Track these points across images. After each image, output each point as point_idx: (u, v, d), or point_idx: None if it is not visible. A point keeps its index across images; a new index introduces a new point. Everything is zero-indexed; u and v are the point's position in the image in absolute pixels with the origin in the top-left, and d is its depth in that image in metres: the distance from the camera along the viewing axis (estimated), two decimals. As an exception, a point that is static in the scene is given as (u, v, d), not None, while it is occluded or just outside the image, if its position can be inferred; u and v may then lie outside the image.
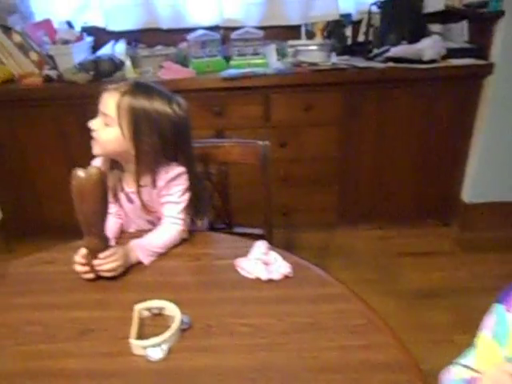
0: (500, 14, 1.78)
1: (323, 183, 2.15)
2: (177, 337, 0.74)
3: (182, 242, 1.01)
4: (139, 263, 0.94)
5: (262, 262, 0.89)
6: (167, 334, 0.71)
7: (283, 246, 1.01)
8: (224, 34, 2.13)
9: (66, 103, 1.95)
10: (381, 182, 2.16)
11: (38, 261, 0.97)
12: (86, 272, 0.89)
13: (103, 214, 0.87)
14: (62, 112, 1.98)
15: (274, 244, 0.97)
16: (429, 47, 1.85)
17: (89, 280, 0.89)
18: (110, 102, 0.96)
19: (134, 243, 0.96)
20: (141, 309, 0.78)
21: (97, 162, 1.06)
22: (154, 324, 0.77)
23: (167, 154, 1.01)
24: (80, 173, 0.83)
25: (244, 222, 1.42)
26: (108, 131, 0.97)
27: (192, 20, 2.21)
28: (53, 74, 1.95)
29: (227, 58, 2.07)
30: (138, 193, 1.03)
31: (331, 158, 2.09)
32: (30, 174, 2.13)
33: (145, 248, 0.96)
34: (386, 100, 1.96)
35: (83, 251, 0.89)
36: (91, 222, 0.86)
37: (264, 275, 0.86)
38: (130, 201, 1.08)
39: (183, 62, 2.06)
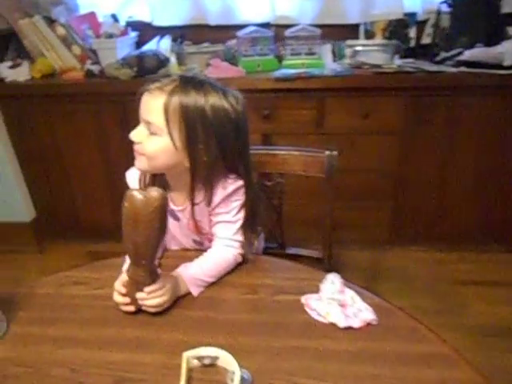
0: None
1: (377, 197, 1.95)
2: (235, 400, 0.57)
3: (235, 268, 0.85)
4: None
5: (338, 302, 0.71)
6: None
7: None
8: (276, 32, 1.97)
9: (106, 99, 1.85)
10: (442, 200, 1.94)
11: (68, 280, 0.83)
12: (125, 304, 0.74)
13: (157, 245, 0.71)
14: (102, 108, 1.87)
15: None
16: (511, 51, 1.62)
17: (127, 312, 0.73)
18: (155, 105, 0.77)
19: (184, 273, 0.80)
20: (190, 357, 0.62)
21: (134, 173, 0.91)
22: (205, 378, 0.62)
23: (227, 163, 0.85)
24: (137, 194, 0.67)
25: (295, 240, 1.25)
26: (155, 142, 0.79)
27: (241, 17, 2.06)
28: (95, 68, 1.85)
29: (278, 58, 1.91)
30: (192, 212, 0.87)
31: (388, 171, 1.89)
32: (66, 172, 2.04)
33: (196, 278, 0.80)
34: (457, 108, 1.74)
35: (125, 278, 0.73)
36: (141, 254, 0.70)
37: (341, 321, 0.69)
38: (176, 218, 0.92)
39: (231, 60, 1.91)
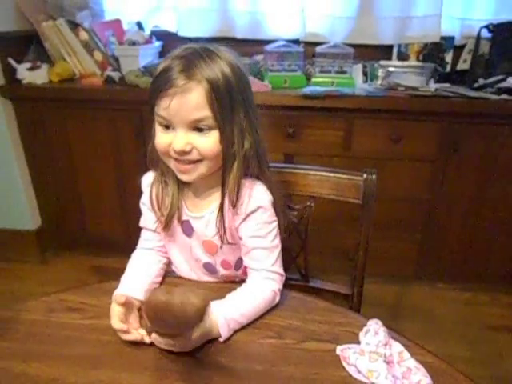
0: None
1: (404, 228, 1.81)
2: None
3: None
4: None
5: (383, 359, 0.58)
6: None
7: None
8: (304, 49, 1.89)
9: (123, 107, 1.77)
10: (474, 235, 1.79)
11: (60, 305, 0.71)
12: (125, 331, 0.62)
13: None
14: (118, 116, 1.79)
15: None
16: (559, 79, 1.50)
17: (124, 352, 0.61)
18: (196, 100, 0.65)
19: (219, 313, 0.66)
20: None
21: (149, 178, 0.80)
22: None
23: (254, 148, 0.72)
24: (173, 304, 0.53)
25: (315, 271, 1.12)
26: (211, 139, 0.68)
27: (270, 32, 1.99)
28: (115, 75, 1.78)
29: (306, 75, 1.82)
30: (221, 209, 0.72)
31: (418, 200, 1.75)
32: (76, 180, 1.96)
33: (234, 320, 0.66)
34: (496, 138, 1.62)
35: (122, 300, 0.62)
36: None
37: (388, 383, 0.55)
38: (188, 231, 0.78)
39: (257, 75, 1.83)
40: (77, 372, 0.58)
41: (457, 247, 1.83)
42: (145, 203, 0.80)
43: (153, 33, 2.04)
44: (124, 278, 0.75)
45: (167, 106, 0.65)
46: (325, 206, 1.12)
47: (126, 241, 2.00)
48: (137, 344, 0.63)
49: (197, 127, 0.67)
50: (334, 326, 0.66)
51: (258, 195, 0.74)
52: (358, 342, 0.61)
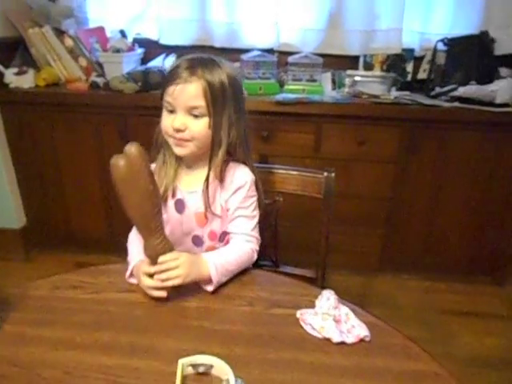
0: None
1: (369, 224, 1.98)
2: (228, 408, 0.58)
3: (231, 280, 0.86)
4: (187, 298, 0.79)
5: (333, 318, 0.72)
6: (219, 406, 0.55)
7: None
8: (278, 58, 2.03)
9: (108, 111, 1.87)
10: (432, 230, 1.97)
11: (63, 283, 0.83)
12: (155, 288, 0.77)
13: (157, 201, 0.76)
14: (103, 120, 1.90)
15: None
16: (503, 89, 1.70)
17: (121, 318, 0.74)
18: (196, 91, 0.84)
19: (209, 256, 0.84)
20: (185, 364, 0.63)
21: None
22: (198, 385, 0.61)
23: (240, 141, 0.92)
24: (119, 160, 0.72)
25: (287, 259, 1.26)
26: (201, 123, 0.87)
27: (246, 41, 2.13)
28: (99, 81, 1.89)
29: (280, 83, 1.96)
30: (207, 182, 0.90)
31: (381, 198, 1.92)
32: (61, 180, 2.04)
33: (221, 265, 0.83)
34: (449, 141, 1.80)
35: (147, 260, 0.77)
36: (148, 215, 0.74)
37: (336, 336, 0.70)
38: (181, 209, 0.94)
39: (234, 81, 1.96)
40: (81, 334, 0.70)
41: (417, 241, 2.00)
42: None
43: (135, 40, 2.15)
44: (132, 254, 0.89)
45: (172, 93, 0.85)
46: (294, 202, 1.26)
47: (109, 238, 2.10)
48: (131, 310, 0.75)
49: (192, 113, 0.86)
50: (295, 296, 0.80)
51: (244, 174, 0.94)
52: (314, 307, 0.75)
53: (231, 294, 0.82)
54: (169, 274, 0.76)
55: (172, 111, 0.87)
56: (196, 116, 0.86)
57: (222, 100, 0.86)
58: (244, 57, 1.95)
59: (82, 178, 2.02)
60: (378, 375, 0.64)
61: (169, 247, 0.78)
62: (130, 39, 2.13)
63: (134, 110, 1.85)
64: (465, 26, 2.03)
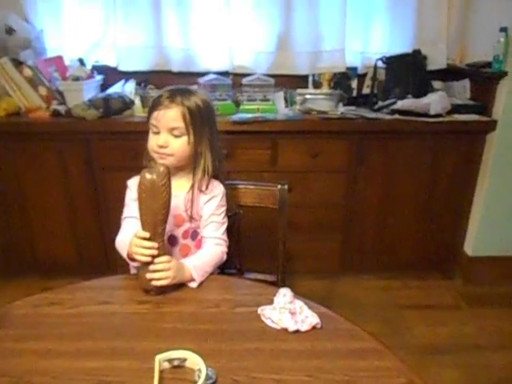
0: (503, 74, 1.86)
1: (327, 230, 2.12)
2: (202, 393, 0.67)
3: (199, 286, 0.96)
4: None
5: (288, 311, 0.83)
6: (193, 390, 0.65)
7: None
8: (233, 80, 2.17)
9: (71, 138, 1.93)
10: (385, 232, 2.14)
11: (42, 302, 0.89)
12: (147, 255, 0.90)
13: (168, 212, 0.91)
14: (66, 148, 1.95)
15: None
16: (435, 101, 1.90)
17: (100, 327, 0.82)
18: (176, 114, 1.03)
19: (188, 261, 0.98)
20: (161, 360, 0.72)
21: (135, 179, 1.05)
22: (175, 377, 0.71)
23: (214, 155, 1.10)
24: (150, 174, 0.88)
25: (251, 267, 1.37)
26: (180, 142, 1.05)
27: (202, 65, 2.26)
28: (61, 109, 1.94)
29: (236, 103, 2.09)
30: (192, 191, 1.07)
31: (336, 206, 2.08)
32: (26, 209, 2.06)
33: (199, 268, 0.98)
34: (393, 151, 1.98)
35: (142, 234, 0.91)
36: (159, 221, 0.90)
37: (291, 326, 0.81)
38: None
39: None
40: (65, 344, 0.77)
41: (372, 243, 2.17)
42: (132, 197, 1.06)
43: (94, 67, 2.22)
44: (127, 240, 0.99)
45: (156, 117, 1.04)
46: (256, 214, 1.38)
47: (77, 263, 2.13)
48: (109, 320, 0.84)
49: (173, 133, 1.04)
50: (256, 295, 0.91)
51: (218, 186, 1.13)
52: (272, 303, 0.86)
53: (200, 298, 0.92)
54: (160, 274, 0.90)
55: (157, 132, 1.05)
56: (176, 136, 1.04)
57: (199, 122, 1.05)
58: (201, 80, 2.07)
59: (48, 205, 2.05)
60: (328, 355, 0.76)
61: (164, 251, 0.92)
62: (88, 67, 2.20)
63: (97, 135, 1.92)
64: (400, 44, 2.25)
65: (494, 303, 2.07)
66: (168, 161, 1.05)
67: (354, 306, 2.04)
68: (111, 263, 2.07)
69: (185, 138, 1.05)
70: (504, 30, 1.83)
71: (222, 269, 1.27)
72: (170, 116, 1.03)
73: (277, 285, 1.23)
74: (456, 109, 1.97)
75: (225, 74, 2.21)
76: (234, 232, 1.25)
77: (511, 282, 2.16)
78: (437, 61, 2.23)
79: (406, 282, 2.21)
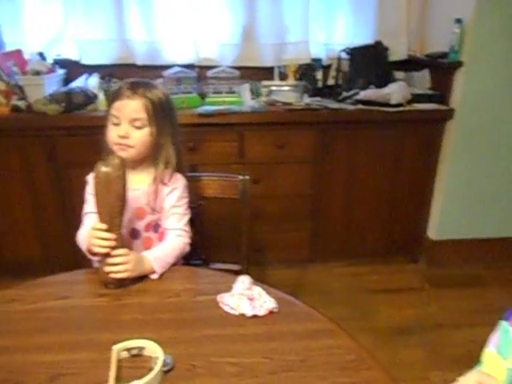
0: (458, 64, 1.93)
1: (296, 220, 2.16)
2: (159, 379, 0.69)
3: (161, 277, 0.97)
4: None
5: (247, 297, 0.86)
6: (149, 377, 0.66)
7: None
8: (199, 73, 2.17)
9: (33, 134, 1.89)
10: (352, 220, 2.20)
11: (3, 299, 0.89)
12: (105, 247, 0.90)
13: (124, 204, 0.91)
14: (28, 143, 1.91)
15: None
16: (396, 92, 1.95)
17: (60, 321, 0.82)
18: (138, 105, 1.03)
19: (148, 253, 0.98)
20: (119, 349, 0.73)
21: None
22: (133, 366, 0.72)
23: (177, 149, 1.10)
24: (104, 166, 0.88)
25: (218, 258, 1.39)
26: (141, 133, 1.05)
27: (167, 58, 2.24)
28: (21, 104, 1.90)
29: (202, 96, 2.09)
30: (155, 181, 1.08)
31: (304, 195, 2.11)
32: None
33: (160, 259, 0.98)
34: (357, 140, 2.03)
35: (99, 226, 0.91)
36: (115, 213, 0.90)
37: (249, 311, 0.83)
38: None
39: (158, 97, 2.06)
40: (25, 339, 0.78)
41: (340, 230, 2.22)
42: (90, 192, 1.05)
43: (56, 61, 2.18)
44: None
45: (117, 107, 1.04)
46: (221, 205, 1.39)
47: (44, 261, 2.10)
48: (69, 314, 0.84)
49: (134, 125, 1.04)
50: (216, 284, 0.93)
51: (179, 178, 1.13)
52: (231, 290, 0.89)
53: (161, 289, 0.93)
54: (119, 267, 0.90)
55: (117, 124, 1.04)
56: (138, 127, 1.04)
57: (161, 114, 1.06)
58: (165, 73, 2.06)
59: (12, 203, 2.00)
60: (284, 337, 0.79)
61: (122, 244, 0.93)
62: (49, 61, 2.15)
63: (60, 131, 1.88)
64: (363, 36, 2.30)
65: (455, 284, 2.16)
66: (128, 152, 1.05)
67: (324, 293, 2.10)
68: (79, 261, 2.02)
69: (146, 130, 1.05)
70: (459, 21, 1.89)
71: (188, 260, 1.28)
72: (132, 107, 1.03)
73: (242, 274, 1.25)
74: (416, 98, 2.03)
75: (190, 66, 2.20)
76: (197, 224, 1.26)
77: (471, 263, 2.26)
78: (398, 52, 2.29)
79: (373, 268, 2.28)
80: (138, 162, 1.10)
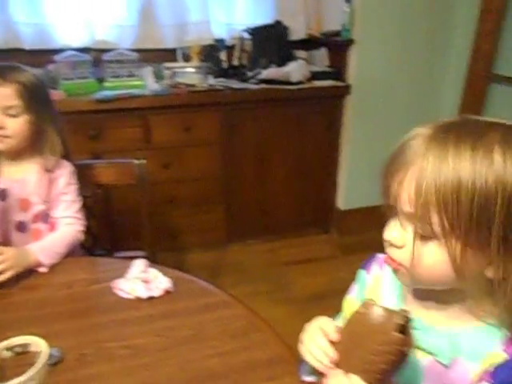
0: (350, 42, 2.04)
1: (209, 202, 2.17)
2: (45, 373, 0.66)
3: (51, 270, 0.93)
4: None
5: (142, 280, 0.85)
6: (30, 373, 0.64)
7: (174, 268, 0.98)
8: (95, 56, 2.06)
9: None
10: (264, 197, 2.26)
11: None
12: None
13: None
14: None
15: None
16: (295, 70, 2.02)
17: None
18: (9, 92, 0.95)
19: (33, 245, 0.94)
20: (0, 349, 0.69)
21: None
22: (19, 364, 0.68)
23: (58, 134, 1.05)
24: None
25: (126, 246, 1.35)
26: (18, 121, 0.97)
27: (60, 41, 2.09)
28: None
29: (100, 80, 1.99)
30: (42, 170, 1.02)
31: (215, 177, 2.13)
32: None
33: (46, 249, 0.94)
34: (262, 119, 2.08)
35: None
36: None
37: (144, 293, 0.83)
38: (3, 197, 0.99)
39: (51, 84, 1.92)
40: None
41: (254, 209, 2.27)
42: None
43: None
44: None
45: None
46: (124, 192, 1.35)
47: None
48: None
49: (9, 113, 0.96)
50: (112, 271, 0.91)
51: (66, 165, 1.08)
52: (125, 275, 0.88)
53: (52, 282, 0.89)
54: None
55: None
56: (13, 115, 0.97)
57: (38, 99, 1.00)
58: (57, 58, 1.92)
59: None
60: (178, 314, 0.80)
61: None
62: None
63: None
64: (263, 16, 2.32)
65: (364, 249, 2.28)
66: (6, 144, 0.98)
67: (242, 271, 2.15)
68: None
69: (23, 118, 0.98)
70: (348, 0, 1.99)
71: (91, 252, 1.24)
72: (4, 93, 0.95)
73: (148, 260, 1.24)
74: (315, 76, 2.12)
75: (86, 50, 2.08)
76: (96, 213, 1.22)
77: (379, 228, 2.44)
78: (297, 31, 2.35)
79: (288, 241, 2.37)
80: (20, 152, 1.03)
